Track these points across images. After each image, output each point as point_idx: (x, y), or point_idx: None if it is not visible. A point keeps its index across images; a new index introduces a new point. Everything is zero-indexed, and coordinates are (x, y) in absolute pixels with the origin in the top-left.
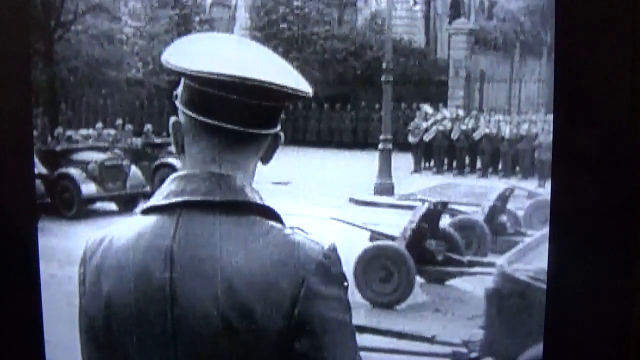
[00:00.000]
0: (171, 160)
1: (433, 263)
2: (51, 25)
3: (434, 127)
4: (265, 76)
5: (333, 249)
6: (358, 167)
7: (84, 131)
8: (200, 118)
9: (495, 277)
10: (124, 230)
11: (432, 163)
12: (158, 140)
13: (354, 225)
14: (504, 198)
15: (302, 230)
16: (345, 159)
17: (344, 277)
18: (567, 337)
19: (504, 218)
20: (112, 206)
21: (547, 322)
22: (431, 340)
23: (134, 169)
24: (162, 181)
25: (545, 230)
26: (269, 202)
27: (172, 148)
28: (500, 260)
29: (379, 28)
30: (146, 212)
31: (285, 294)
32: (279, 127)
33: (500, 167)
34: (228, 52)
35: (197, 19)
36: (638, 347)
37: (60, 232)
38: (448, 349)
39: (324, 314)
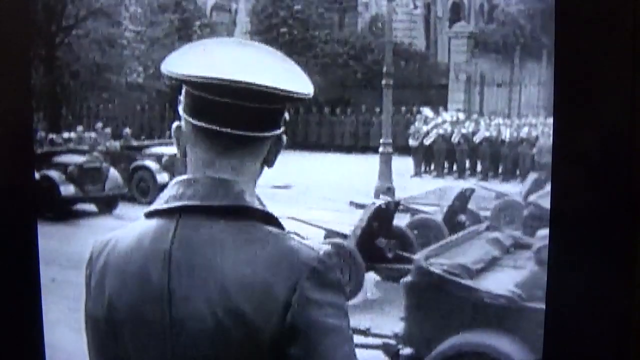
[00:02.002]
0: (147, 162)
1: (384, 260)
2: (52, 29)
3: (434, 131)
4: (258, 78)
5: (329, 255)
6: (358, 171)
7: (65, 134)
8: (197, 123)
9: (412, 271)
10: (128, 233)
11: (432, 167)
12: (135, 143)
13: (310, 224)
14: (463, 198)
15: (299, 236)
16: (346, 162)
17: (339, 283)
18: (567, 337)
19: (462, 217)
20: (92, 207)
21: (547, 322)
22: (365, 332)
23: (112, 171)
24: (138, 183)
25: (473, 228)
26: (269, 205)
27: (152, 150)
28: (418, 255)
29: (380, 32)
30: (149, 215)
31: (278, 299)
32: (280, 130)
33: (500, 170)
34: (226, 56)
35: (197, 23)
36: (638, 347)
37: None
38: (380, 341)
39: (318, 320)
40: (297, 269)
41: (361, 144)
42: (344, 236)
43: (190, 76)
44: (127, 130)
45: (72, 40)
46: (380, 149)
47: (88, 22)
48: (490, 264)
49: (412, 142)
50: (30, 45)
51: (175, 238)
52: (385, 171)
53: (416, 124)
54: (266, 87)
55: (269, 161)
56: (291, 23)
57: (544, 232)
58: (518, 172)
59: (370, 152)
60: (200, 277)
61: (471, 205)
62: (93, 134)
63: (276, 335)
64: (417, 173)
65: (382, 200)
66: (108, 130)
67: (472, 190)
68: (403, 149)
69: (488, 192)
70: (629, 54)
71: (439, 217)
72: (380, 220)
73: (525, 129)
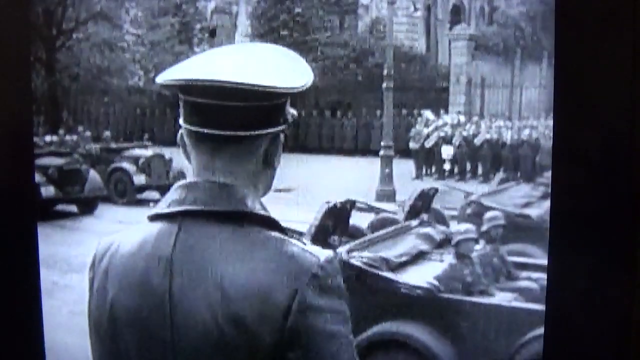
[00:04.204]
0: (125, 164)
1: None
2: (53, 33)
3: (435, 133)
4: (233, 76)
5: (330, 261)
6: (360, 174)
7: (47, 137)
8: (188, 127)
9: None
10: (131, 237)
11: (433, 169)
12: (114, 146)
13: None
14: (426, 197)
15: (301, 241)
16: (347, 165)
17: (341, 289)
18: (567, 337)
19: (424, 217)
20: (73, 208)
21: (547, 321)
22: None
23: (92, 173)
24: (116, 184)
25: (406, 223)
26: (271, 209)
27: (130, 152)
28: (340, 249)
29: (380, 34)
30: (152, 218)
31: (277, 305)
32: (274, 128)
33: (501, 172)
34: (215, 59)
35: (198, 26)
36: (638, 347)
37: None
38: None
39: (318, 326)
40: (297, 275)
41: (362, 147)
42: (300, 234)
43: (167, 80)
44: (107, 133)
45: (72, 43)
46: (381, 152)
47: (88, 25)
48: (417, 258)
49: (412, 145)
50: (29, 48)
51: (176, 243)
52: (387, 174)
53: (417, 126)
54: (238, 83)
55: (270, 162)
56: (292, 26)
57: (463, 226)
58: (519, 174)
59: (371, 155)
60: (201, 282)
61: (439, 205)
62: (75, 137)
63: (277, 340)
64: (419, 176)
65: (338, 200)
66: (88, 133)
67: (436, 190)
68: (404, 152)
69: (457, 191)
70: (628, 56)
71: (400, 217)
72: (334, 219)
73: (526, 131)
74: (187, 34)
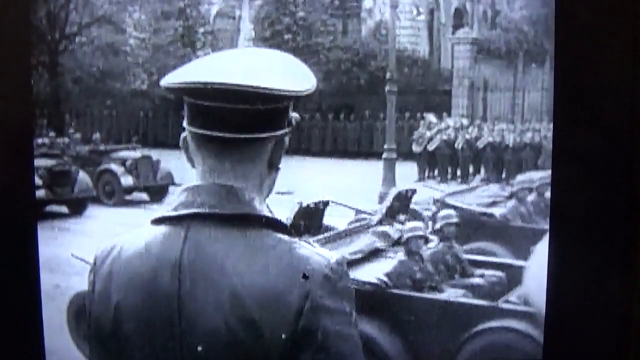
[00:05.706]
0: (113, 166)
1: None
2: (55, 37)
3: (438, 136)
4: (238, 79)
5: (340, 263)
6: (362, 177)
7: (39, 140)
8: (193, 129)
9: None
10: (134, 240)
11: (436, 172)
12: (103, 148)
13: None
14: (403, 198)
15: (310, 244)
16: (349, 168)
17: (350, 291)
18: (567, 336)
19: (402, 218)
20: (64, 209)
21: (548, 321)
22: None
23: (81, 174)
24: (105, 185)
25: (365, 221)
26: (274, 212)
27: (118, 154)
28: None
29: (383, 38)
30: (156, 222)
31: (290, 307)
32: (279, 131)
33: (504, 175)
34: (218, 62)
35: (201, 30)
36: (638, 347)
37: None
38: None
39: (329, 328)
40: (309, 276)
41: (365, 150)
42: None
43: (173, 83)
44: (97, 135)
45: (75, 47)
46: (384, 155)
47: (91, 29)
48: (373, 255)
49: (415, 148)
50: (31, 51)
51: (185, 246)
52: (389, 177)
53: (420, 129)
54: (247, 86)
55: (274, 165)
56: (295, 30)
57: (412, 224)
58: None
59: (373, 157)
60: (211, 284)
61: (418, 206)
62: (66, 139)
63: (287, 343)
64: (421, 179)
65: (311, 200)
66: (78, 135)
67: (414, 191)
68: (407, 155)
69: (437, 192)
70: (628, 57)
71: (378, 217)
72: (307, 219)
73: (529, 134)
74: (190, 37)
